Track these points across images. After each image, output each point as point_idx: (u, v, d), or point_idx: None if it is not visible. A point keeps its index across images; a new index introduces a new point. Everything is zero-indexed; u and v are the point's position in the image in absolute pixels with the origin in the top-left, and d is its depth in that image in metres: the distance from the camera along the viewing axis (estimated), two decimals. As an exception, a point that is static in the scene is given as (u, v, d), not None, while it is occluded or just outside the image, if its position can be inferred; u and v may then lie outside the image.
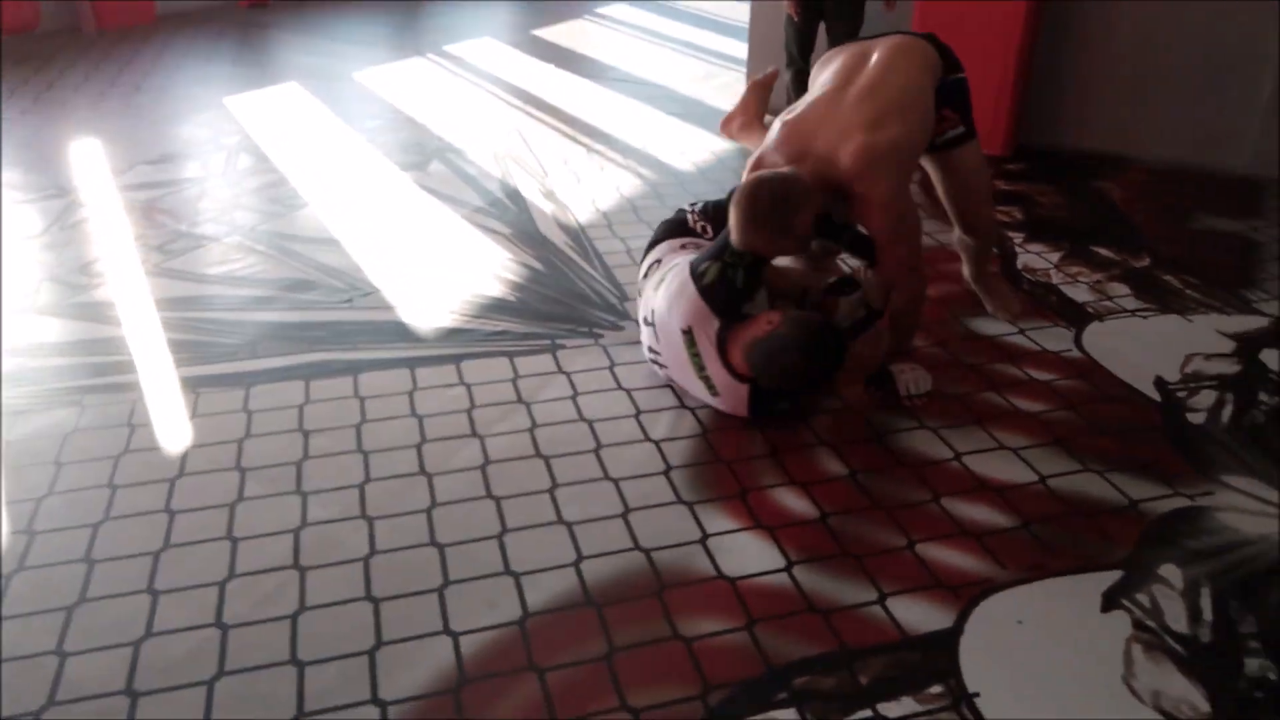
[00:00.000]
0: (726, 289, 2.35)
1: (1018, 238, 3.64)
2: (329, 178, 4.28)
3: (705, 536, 2.09)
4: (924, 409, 2.52)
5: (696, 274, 2.39)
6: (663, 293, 2.49)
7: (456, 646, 1.82)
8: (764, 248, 2.34)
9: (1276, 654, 1.78)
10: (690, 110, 5.35)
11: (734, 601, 1.92)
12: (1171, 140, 4.47)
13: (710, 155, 4.62)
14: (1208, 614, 1.88)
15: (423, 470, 2.31)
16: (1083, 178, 4.31)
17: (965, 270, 3.07)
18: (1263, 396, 2.60)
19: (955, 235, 2.96)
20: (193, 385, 2.68)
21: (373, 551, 2.06)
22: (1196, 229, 3.75)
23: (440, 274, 3.34)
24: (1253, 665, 1.76)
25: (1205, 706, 1.68)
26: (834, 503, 2.20)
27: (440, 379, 2.69)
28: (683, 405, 2.56)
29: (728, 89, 5.66)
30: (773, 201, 2.28)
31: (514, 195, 4.08)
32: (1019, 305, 3.05)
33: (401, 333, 2.95)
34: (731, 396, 2.42)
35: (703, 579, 1.98)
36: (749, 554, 2.04)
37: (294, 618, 1.89)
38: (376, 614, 1.90)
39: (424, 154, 4.61)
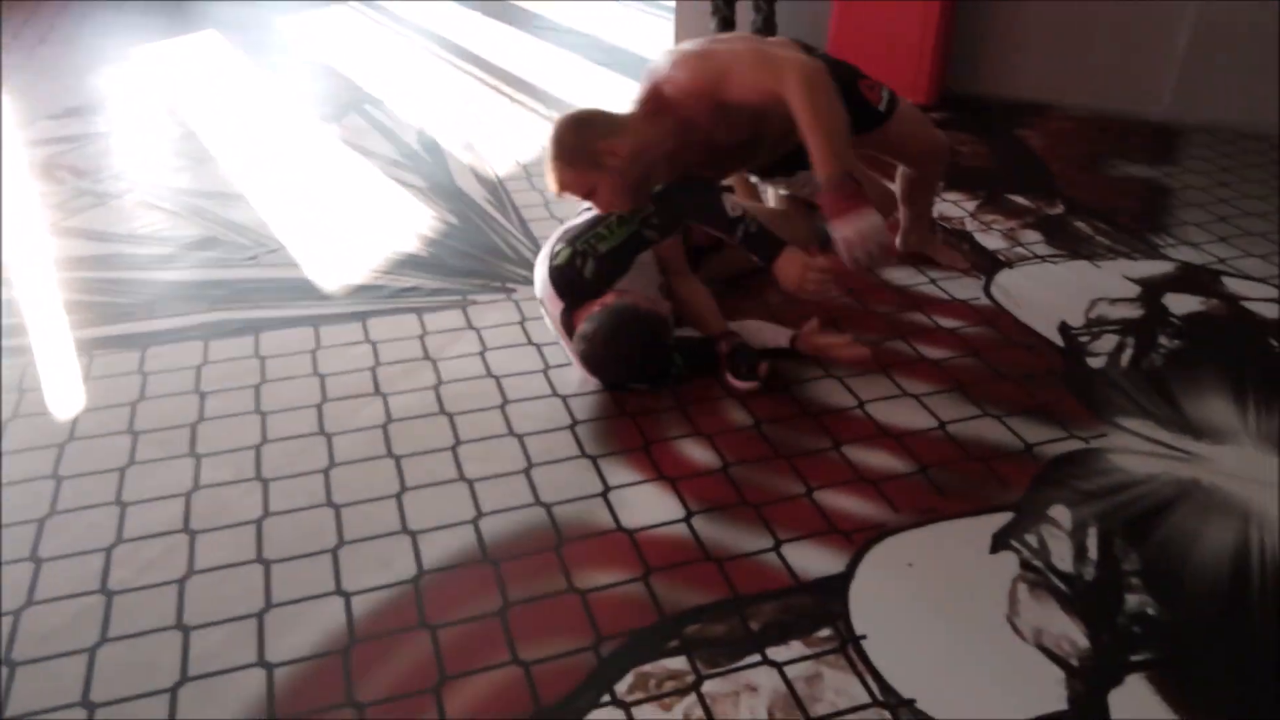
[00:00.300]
0: (572, 275, 2.33)
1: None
2: (241, 131, 4.15)
3: (607, 490, 2.09)
4: (837, 352, 2.50)
5: (552, 252, 2.36)
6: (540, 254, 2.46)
7: (348, 607, 1.80)
8: (575, 185, 2.29)
9: (1157, 590, 1.83)
10: (615, 59, 5.26)
11: (632, 553, 1.92)
12: (1092, 88, 4.50)
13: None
14: (1093, 553, 1.92)
15: (322, 430, 2.27)
16: (1005, 126, 4.33)
17: (903, 231, 3.02)
18: (1163, 340, 2.65)
19: (901, 171, 2.87)
20: (87, 347, 2.60)
21: (266, 513, 2.02)
22: (1112, 175, 3.79)
23: (350, 229, 3.27)
24: (1133, 601, 1.80)
25: (1084, 642, 1.72)
26: (737, 453, 2.20)
27: (345, 337, 2.64)
28: (592, 359, 2.54)
29: (654, 36, 5.58)
30: (572, 128, 2.27)
31: (431, 148, 3.99)
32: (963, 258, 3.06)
33: (307, 290, 2.88)
34: (581, 374, 2.43)
35: (602, 532, 1.98)
36: (649, 506, 2.04)
37: (181, 582, 1.85)
38: (267, 576, 1.87)
39: (341, 105, 4.49)
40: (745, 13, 4.77)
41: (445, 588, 1.84)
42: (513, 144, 4.06)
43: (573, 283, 2.33)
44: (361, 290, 2.89)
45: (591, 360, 2.31)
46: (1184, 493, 2.07)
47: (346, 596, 1.82)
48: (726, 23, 4.72)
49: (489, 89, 4.79)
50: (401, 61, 5.22)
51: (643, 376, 2.40)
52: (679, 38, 5.37)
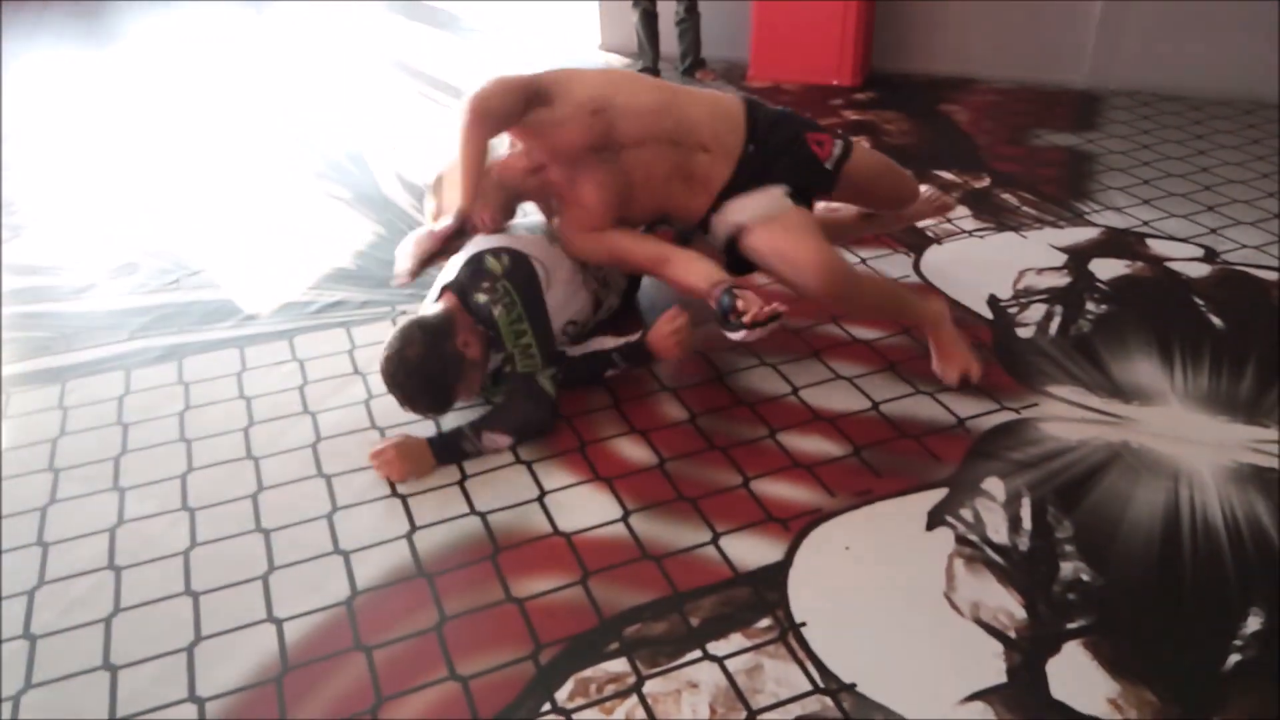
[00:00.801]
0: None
1: (864, 166, 3.66)
2: (155, 147, 4.06)
3: (543, 494, 2.06)
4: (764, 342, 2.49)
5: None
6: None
7: (280, 634, 1.76)
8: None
9: (1089, 556, 1.84)
10: (541, 56, 5.22)
11: (570, 557, 1.90)
12: (1014, 60, 4.56)
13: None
14: (1027, 523, 1.93)
15: (249, 454, 2.22)
16: (930, 102, 4.36)
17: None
18: (1090, 306, 2.68)
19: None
20: (3, 385, 2.52)
21: (193, 544, 1.97)
22: (1036, 145, 3.83)
23: (275, 245, 3.20)
24: (1067, 569, 1.82)
25: (1021, 614, 1.73)
26: (672, 448, 2.19)
27: (271, 357, 2.59)
28: (525, 362, 2.51)
29: (581, 29, 5.55)
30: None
31: (356, 157, 3.93)
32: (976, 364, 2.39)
33: (230, 311, 2.82)
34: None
35: (539, 536, 1.95)
36: (586, 507, 2.02)
37: (107, 621, 1.80)
38: (196, 608, 1.82)
39: (262, 116, 4.40)
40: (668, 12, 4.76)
41: (380, 607, 1.81)
42: (440, 149, 4.00)
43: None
44: (287, 308, 2.83)
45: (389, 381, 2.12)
46: (1114, 456, 2.09)
47: (278, 623, 1.78)
48: (649, 15, 4.70)
49: (415, 94, 4.72)
50: (323, 67, 5.13)
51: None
52: (604, 34, 5.36)
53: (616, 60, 5.21)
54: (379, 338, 2.63)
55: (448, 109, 4.50)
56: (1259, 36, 4.02)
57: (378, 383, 2.43)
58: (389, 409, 2.34)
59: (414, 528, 1.99)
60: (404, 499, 2.06)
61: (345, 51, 5.45)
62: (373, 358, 2.55)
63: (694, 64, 4.84)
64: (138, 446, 2.26)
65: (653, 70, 4.73)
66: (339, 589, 1.85)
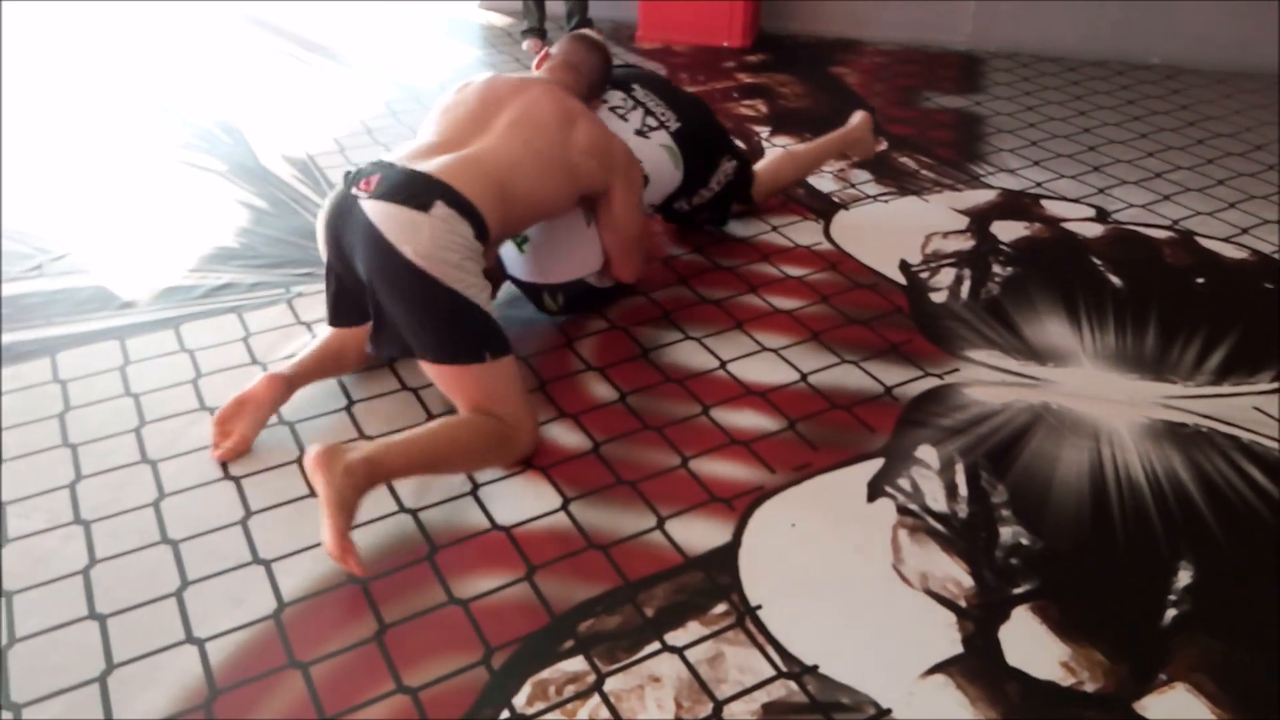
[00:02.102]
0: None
1: (764, 131, 3.65)
2: (4, 125, 3.67)
3: (476, 487, 1.96)
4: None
5: None
6: None
7: (203, 655, 1.61)
8: None
9: (1026, 519, 1.88)
10: (418, 14, 4.98)
11: (512, 552, 1.82)
12: (899, 21, 4.61)
13: (448, 66, 4.33)
14: (963, 489, 1.96)
15: (145, 457, 2.03)
16: (820, 64, 4.37)
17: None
18: (996, 268, 2.74)
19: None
20: None
21: (92, 561, 1.79)
22: (927, 107, 3.89)
23: (147, 225, 2.95)
24: (1007, 534, 1.85)
25: (969, 581, 1.75)
26: (605, 430, 2.12)
27: (157, 348, 2.38)
28: (439, 344, 2.39)
29: (460, -9, 5.32)
30: None
31: (228, 127, 3.66)
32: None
33: (105, 299, 2.57)
34: None
35: (476, 533, 1.86)
36: (523, 499, 1.94)
37: (0, 653, 1.62)
38: (104, 633, 1.65)
39: (121, 86, 4.04)
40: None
41: (311, 619, 1.68)
42: (320, 115, 3.77)
43: None
44: (168, 293, 2.61)
45: None
46: (1037, 418, 2.15)
47: (200, 644, 1.63)
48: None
49: (285, 56, 4.43)
50: (186, 33, 4.75)
51: None
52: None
53: (498, 20, 5.02)
54: (276, 322, 2.49)
55: (321, 71, 4.24)
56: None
57: (282, 373, 2.28)
58: (294, 401, 2.18)
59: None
60: (325, 499, 1.93)
61: (205, 12, 5.06)
62: (272, 344, 2.39)
63: (580, 23, 4.70)
64: (14, 454, 2.04)
65: (539, 31, 4.57)
66: (263, 602, 1.71)
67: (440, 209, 1.87)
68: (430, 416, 2.16)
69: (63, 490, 1.95)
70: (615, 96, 2.56)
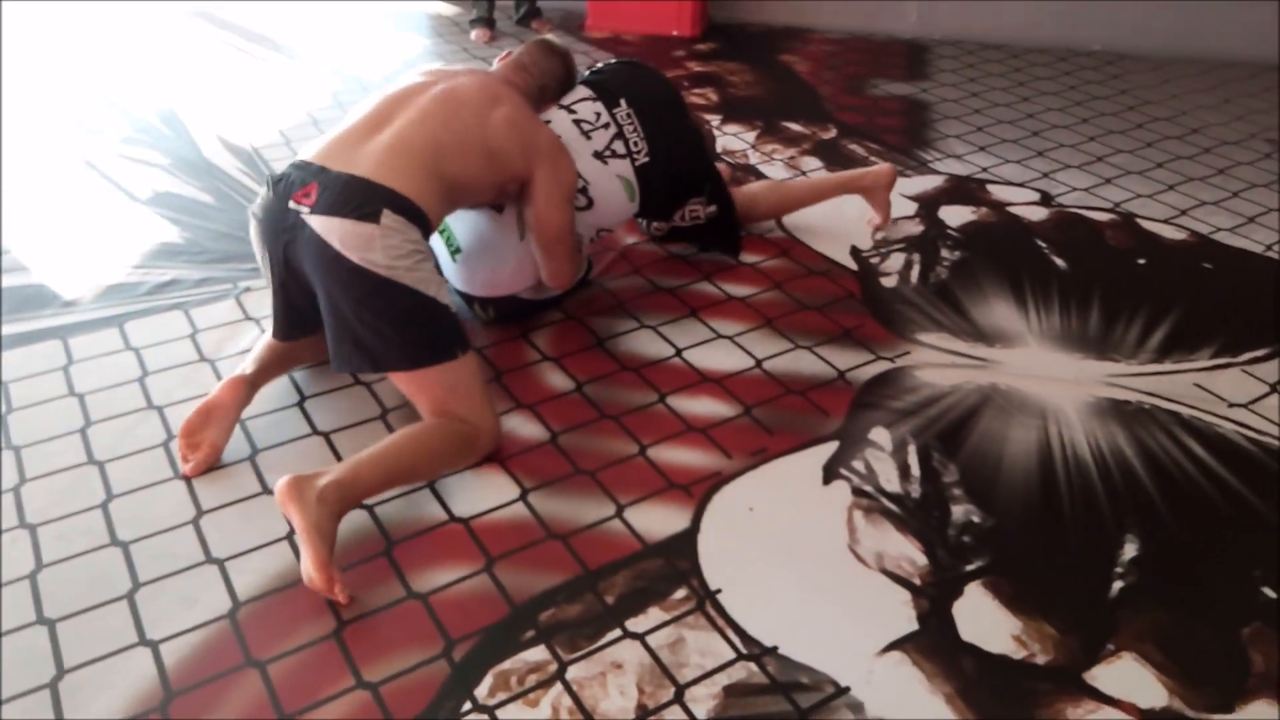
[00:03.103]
0: None
1: (715, 120, 3.66)
2: (-70, 117, 3.56)
3: (433, 481, 1.95)
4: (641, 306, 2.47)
5: None
6: None
7: (157, 657, 1.59)
8: None
9: (977, 497, 1.92)
10: (364, 4, 4.92)
11: (470, 544, 1.81)
12: (847, 10, 4.65)
13: (396, 58, 4.28)
14: (916, 470, 1.99)
15: (91, 459, 1.99)
16: (769, 53, 4.40)
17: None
18: (944, 252, 2.78)
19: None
20: None
21: (40, 565, 1.75)
22: (875, 95, 3.93)
23: (86, 221, 2.88)
24: (958, 512, 1.88)
25: (923, 560, 1.78)
26: (562, 420, 2.12)
27: (101, 346, 2.33)
28: (392, 337, 2.37)
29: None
30: None
31: (169, 118, 3.58)
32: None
33: (44, 298, 2.51)
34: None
35: (434, 526, 1.85)
36: (481, 490, 1.93)
37: (-55, 664, 1.58)
38: (54, 638, 1.62)
39: (55, 78, 3.94)
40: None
41: (267, 617, 1.67)
42: (263, 106, 3.70)
43: None
44: (111, 290, 2.55)
45: None
46: (986, 399, 2.19)
47: (153, 646, 1.61)
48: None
49: (225, 46, 4.35)
50: (128, 27, 4.64)
51: None
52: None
53: (445, 10, 4.97)
54: (224, 317, 2.45)
55: (267, 63, 4.17)
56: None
57: (228, 369, 2.24)
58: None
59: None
60: (278, 496, 1.90)
61: (149, 7, 4.94)
62: (220, 341, 2.36)
63: (529, 13, 4.68)
64: (-47, 459, 1.99)
65: (487, 21, 4.53)
66: (217, 601, 1.69)
67: (388, 217, 1.84)
68: (384, 410, 2.14)
69: (7, 494, 1.90)
70: (588, 109, 2.41)
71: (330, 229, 1.83)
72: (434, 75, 2.17)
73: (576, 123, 2.39)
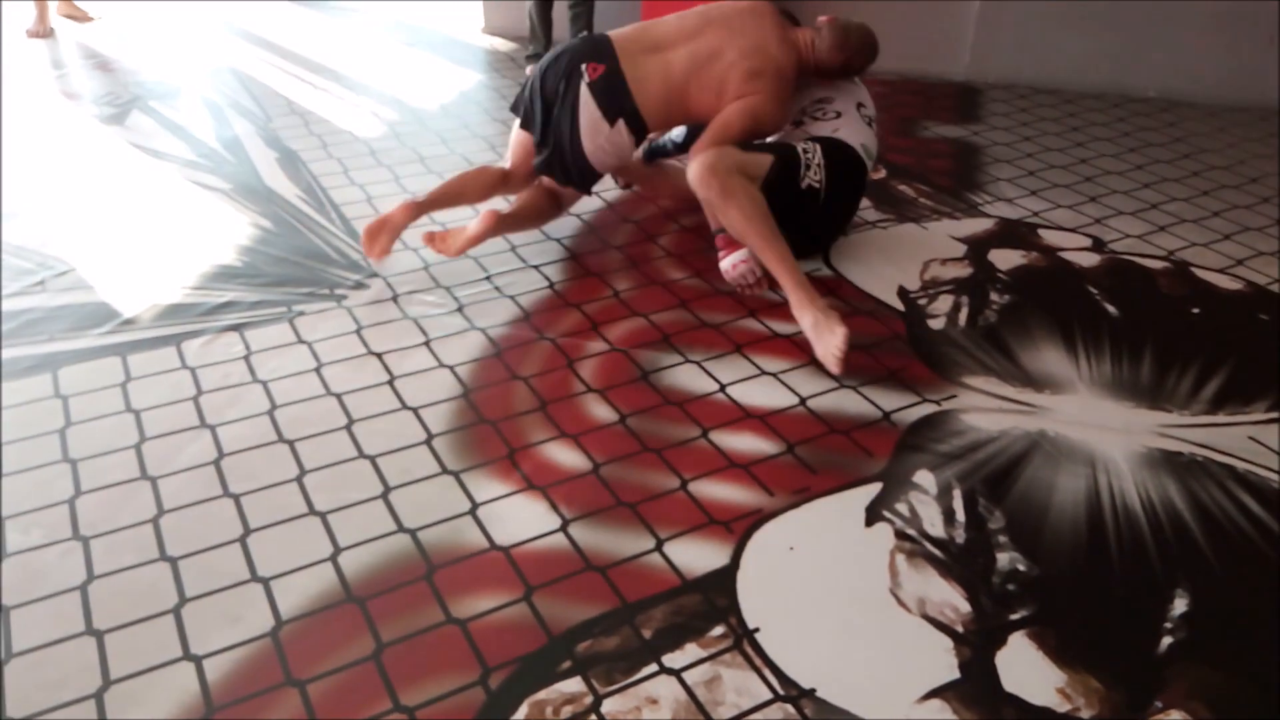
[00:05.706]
0: None
1: (764, 157, 3.68)
2: (7, 138, 3.70)
3: (475, 507, 1.97)
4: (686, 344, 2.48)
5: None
6: None
7: (200, 672, 1.61)
8: None
9: (1023, 545, 1.89)
10: (422, 38, 5.04)
11: (510, 572, 1.82)
12: (898, 52, 4.65)
13: (452, 90, 4.37)
14: (960, 515, 1.97)
15: (144, 474, 2.04)
16: (820, 92, 4.41)
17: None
18: (994, 296, 2.76)
19: None
20: None
21: (90, 577, 1.79)
22: (925, 137, 3.93)
23: (150, 242, 2.96)
24: (1003, 560, 1.86)
25: (966, 607, 1.76)
26: (605, 451, 2.13)
27: (158, 365, 2.39)
28: (441, 364, 2.40)
29: (461, 11, 5.37)
30: None
31: (232, 144, 3.68)
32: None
33: (107, 315, 2.59)
34: None
35: (475, 553, 1.86)
36: (522, 519, 1.94)
37: (-4, 670, 1.61)
38: (101, 649, 1.65)
39: (122, 104, 4.08)
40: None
41: (309, 637, 1.68)
42: (324, 136, 3.80)
43: None
44: (171, 310, 2.62)
45: None
46: (1034, 445, 2.16)
47: (197, 661, 1.63)
48: (543, 5, 4.58)
49: (290, 76, 4.47)
50: (188, 51, 4.80)
51: None
52: (488, 17, 5.22)
53: (502, 45, 5.07)
54: (278, 340, 2.49)
55: (326, 92, 4.28)
56: (1126, 32, 4.24)
57: (279, 391, 2.30)
58: (294, 419, 2.20)
59: (338, 549, 1.86)
60: (323, 517, 1.93)
61: (210, 31, 5.11)
62: (272, 363, 2.40)
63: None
64: (15, 469, 2.04)
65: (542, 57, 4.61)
66: (261, 620, 1.71)
67: (620, 127, 2.69)
68: (429, 435, 2.16)
69: (62, 505, 1.95)
70: (830, 107, 2.96)
71: (585, 104, 2.71)
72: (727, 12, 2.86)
73: (818, 101, 3.00)
